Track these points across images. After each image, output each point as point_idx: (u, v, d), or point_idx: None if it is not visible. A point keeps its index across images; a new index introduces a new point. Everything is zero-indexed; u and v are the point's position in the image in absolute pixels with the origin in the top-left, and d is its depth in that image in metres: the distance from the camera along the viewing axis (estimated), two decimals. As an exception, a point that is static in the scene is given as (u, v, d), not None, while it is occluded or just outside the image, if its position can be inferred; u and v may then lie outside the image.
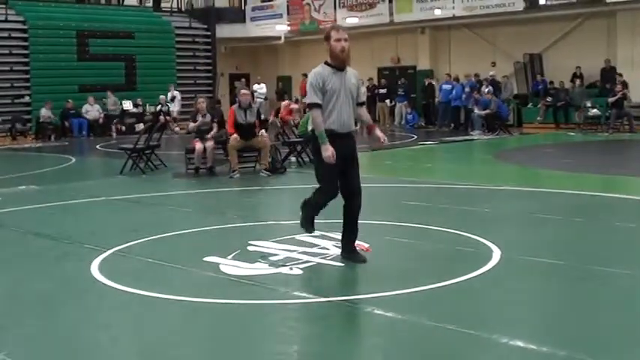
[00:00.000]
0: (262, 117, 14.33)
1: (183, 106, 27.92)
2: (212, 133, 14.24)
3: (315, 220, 8.74)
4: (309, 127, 6.80)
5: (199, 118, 14.43)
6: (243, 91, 14.90)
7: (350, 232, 6.90)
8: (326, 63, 6.68)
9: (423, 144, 20.61)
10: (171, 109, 27.36)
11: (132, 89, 28.28)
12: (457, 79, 25.91)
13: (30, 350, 4.82)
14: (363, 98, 6.96)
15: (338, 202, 10.83)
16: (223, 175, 13.63)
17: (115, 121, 26.54)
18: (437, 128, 25.90)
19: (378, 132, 7.00)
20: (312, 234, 7.19)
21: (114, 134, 25.90)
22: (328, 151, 6.48)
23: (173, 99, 27.65)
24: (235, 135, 13.58)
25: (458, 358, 4.51)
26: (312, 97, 6.58)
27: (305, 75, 30.51)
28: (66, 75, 26.78)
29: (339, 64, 6.63)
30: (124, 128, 26.32)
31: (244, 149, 13.88)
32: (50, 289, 6.26)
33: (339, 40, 6.58)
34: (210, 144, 13.98)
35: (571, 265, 6.56)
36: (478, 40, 27.49)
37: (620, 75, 23.49)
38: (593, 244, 7.74)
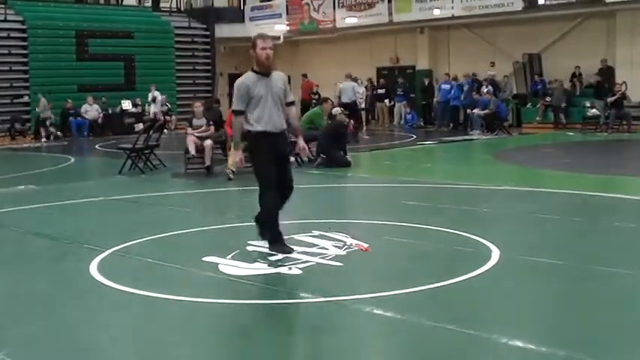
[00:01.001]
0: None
1: (181, 106, 27.88)
2: (209, 132, 14.25)
3: (315, 220, 8.78)
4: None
5: (195, 122, 14.50)
6: None
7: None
8: (252, 70, 7.16)
9: (422, 144, 20.61)
10: (153, 110, 27.15)
11: (131, 89, 28.27)
12: (456, 79, 25.89)
13: (29, 350, 4.82)
14: (291, 98, 7.40)
15: (337, 203, 10.83)
16: (222, 175, 13.62)
17: (47, 123, 24.93)
18: (436, 128, 25.90)
19: (301, 142, 7.53)
20: (290, 252, 7.07)
21: (43, 139, 24.56)
22: (237, 157, 7.28)
23: (154, 99, 27.46)
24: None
25: (457, 358, 4.51)
26: (235, 105, 7.12)
27: (305, 75, 30.58)
28: (65, 75, 26.78)
29: (264, 70, 7.11)
30: (59, 133, 24.98)
31: (244, 149, 13.84)
32: (49, 289, 6.26)
33: (264, 48, 7.10)
34: (208, 143, 13.98)
35: (570, 265, 6.56)
36: (477, 40, 27.49)
37: (598, 74, 23.87)
38: (593, 244, 7.73)
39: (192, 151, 14.04)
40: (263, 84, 7.07)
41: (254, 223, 7.45)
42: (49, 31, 26.77)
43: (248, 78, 7.13)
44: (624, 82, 22.62)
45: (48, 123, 25.01)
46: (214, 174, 13.89)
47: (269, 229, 7.20)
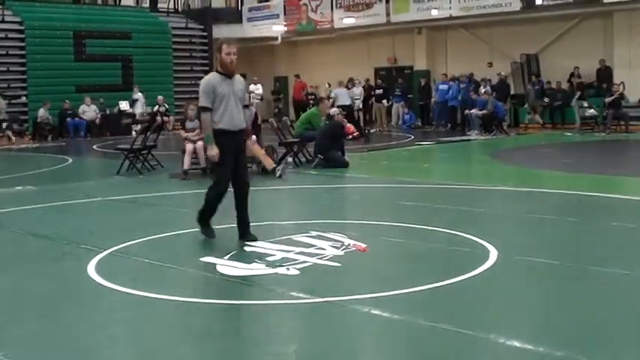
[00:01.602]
0: (259, 121, 14.30)
1: (178, 107, 27.89)
2: (202, 135, 14.15)
3: (311, 220, 8.79)
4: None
5: (188, 124, 14.45)
6: None
7: (243, 219, 7.75)
8: (216, 71, 7.76)
9: (420, 144, 20.62)
10: (135, 111, 27.07)
11: (129, 90, 28.22)
12: (454, 79, 25.89)
13: (28, 350, 4.82)
14: (247, 101, 8.16)
15: (335, 203, 10.81)
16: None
17: (4, 126, 24.68)
18: (434, 128, 25.91)
19: (249, 142, 8.31)
20: (213, 237, 7.85)
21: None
22: (213, 151, 7.53)
23: (134, 102, 27.38)
24: None
25: (455, 359, 4.52)
26: (203, 102, 7.61)
27: (297, 76, 30.57)
28: (63, 75, 26.76)
29: (227, 72, 7.67)
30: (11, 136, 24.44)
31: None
32: (47, 290, 6.26)
33: (229, 53, 7.63)
34: (200, 144, 13.91)
35: (568, 265, 6.57)
36: (475, 40, 27.51)
37: (579, 76, 24.34)
38: (590, 244, 7.74)
39: (186, 166, 13.89)
40: (226, 84, 7.60)
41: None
42: (47, 31, 26.77)
43: (213, 77, 7.69)
44: (622, 83, 22.63)
45: (4, 126, 24.83)
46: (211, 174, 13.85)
47: (206, 214, 7.83)
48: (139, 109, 27.27)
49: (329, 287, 6.16)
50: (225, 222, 8.14)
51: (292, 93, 31.17)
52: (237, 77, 7.82)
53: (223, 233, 8.16)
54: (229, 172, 7.64)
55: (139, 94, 27.48)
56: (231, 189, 7.74)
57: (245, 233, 7.73)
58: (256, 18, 32.02)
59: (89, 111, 26.27)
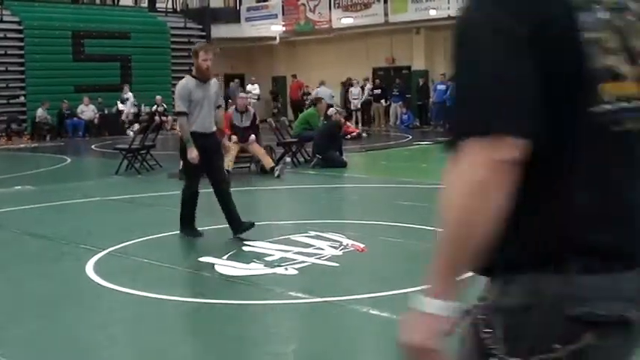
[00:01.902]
0: (257, 121, 14.32)
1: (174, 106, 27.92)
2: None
3: (310, 220, 8.80)
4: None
5: None
6: (241, 94, 15.13)
7: (231, 216, 7.88)
8: (192, 75, 8.02)
9: (418, 144, 20.63)
10: (125, 110, 27.12)
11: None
12: (452, 79, 25.90)
13: (27, 350, 4.83)
14: (220, 102, 8.45)
15: (333, 203, 10.82)
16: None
17: None
18: (432, 128, 25.93)
19: (226, 142, 8.66)
20: (200, 236, 8.06)
21: None
22: (193, 153, 7.70)
23: (123, 101, 27.39)
24: (234, 137, 13.57)
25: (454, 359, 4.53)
26: (179, 107, 7.91)
27: (294, 76, 30.59)
28: (61, 75, 26.74)
29: (203, 77, 7.91)
30: None
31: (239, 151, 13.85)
32: (47, 290, 6.27)
33: (205, 60, 7.85)
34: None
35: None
36: (473, 40, 27.49)
37: None
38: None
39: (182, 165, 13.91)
40: (201, 89, 7.82)
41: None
42: (46, 31, 26.73)
43: (189, 82, 7.89)
44: None
45: None
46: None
47: (185, 216, 8.02)
48: (128, 108, 27.23)
49: (327, 287, 6.18)
50: (222, 222, 8.16)
51: (289, 93, 31.19)
52: (213, 81, 8.09)
53: (221, 233, 8.18)
54: (199, 172, 7.96)
55: (129, 93, 27.44)
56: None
57: (238, 228, 7.83)
58: (254, 18, 32.00)
59: (87, 111, 26.24)
